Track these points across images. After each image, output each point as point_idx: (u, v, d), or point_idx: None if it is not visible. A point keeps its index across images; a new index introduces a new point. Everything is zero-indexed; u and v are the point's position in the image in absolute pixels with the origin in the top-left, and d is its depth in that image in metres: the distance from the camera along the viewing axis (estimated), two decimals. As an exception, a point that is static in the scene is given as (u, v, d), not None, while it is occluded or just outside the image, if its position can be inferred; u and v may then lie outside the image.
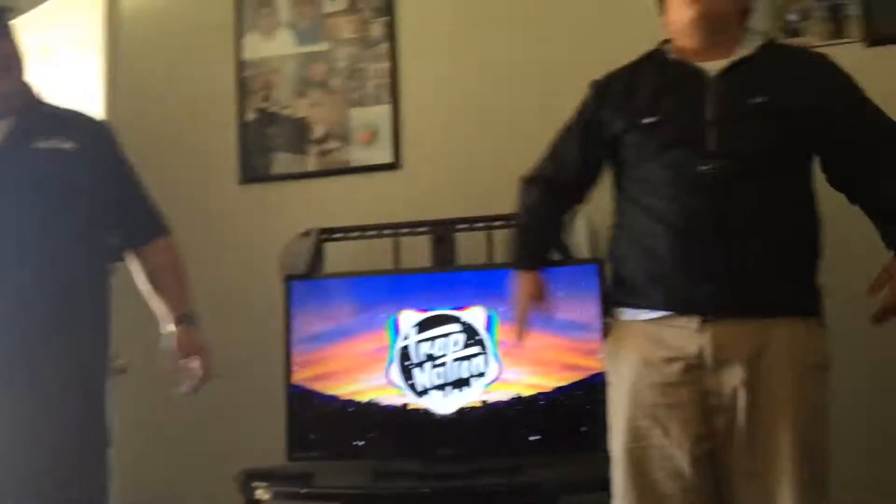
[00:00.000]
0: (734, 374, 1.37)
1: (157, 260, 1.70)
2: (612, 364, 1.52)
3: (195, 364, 1.64)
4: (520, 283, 1.57)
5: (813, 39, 2.15)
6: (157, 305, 1.70)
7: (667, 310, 1.42)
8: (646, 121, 1.47)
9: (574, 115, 1.61)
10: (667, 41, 1.55)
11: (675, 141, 1.44)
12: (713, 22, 1.44)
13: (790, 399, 1.36)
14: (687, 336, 1.39)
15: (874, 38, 2.11)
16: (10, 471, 1.43)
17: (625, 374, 1.46)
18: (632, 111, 1.50)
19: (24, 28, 2.31)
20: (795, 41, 2.15)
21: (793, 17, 2.19)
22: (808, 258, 1.45)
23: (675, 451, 1.39)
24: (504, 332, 1.97)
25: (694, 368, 1.39)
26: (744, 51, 1.46)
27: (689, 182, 1.41)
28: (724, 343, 1.37)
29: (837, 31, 2.16)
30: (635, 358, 1.44)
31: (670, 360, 1.40)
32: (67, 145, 1.55)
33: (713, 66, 1.46)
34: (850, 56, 2.17)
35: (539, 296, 1.55)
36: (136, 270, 1.70)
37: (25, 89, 1.58)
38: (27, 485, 1.43)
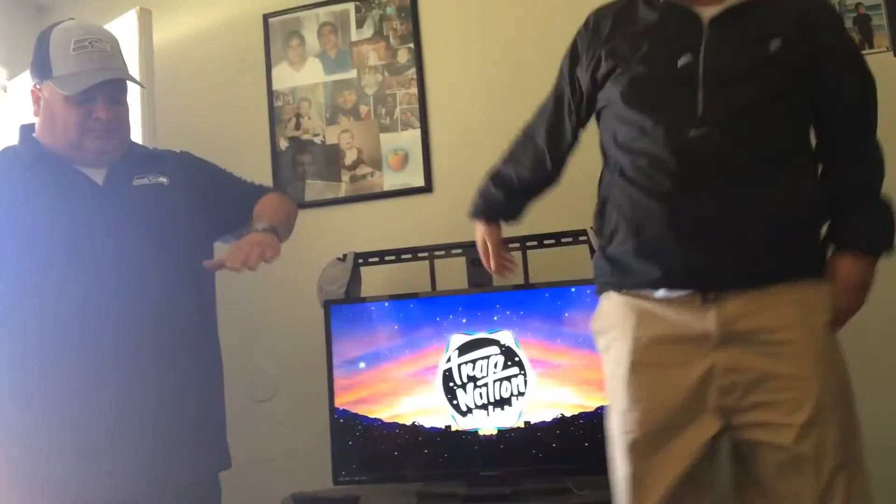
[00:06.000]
0: (744, 349, 1.26)
1: (267, 198, 1.75)
2: (604, 348, 1.40)
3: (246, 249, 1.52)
4: (481, 231, 1.71)
5: (840, 50, 2.17)
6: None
7: (663, 287, 1.30)
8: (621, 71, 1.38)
9: (560, 76, 1.60)
10: None
11: (660, 99, 1.33)
12: None
13: (814, 370, 1.24)
14: (689, 313, 1.28)
15: (902, 48, 2.12)
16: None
17: (621, 359, 1.33)
18: (616, 58, 1.39)
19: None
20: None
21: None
22: (809, 217, 1.32)
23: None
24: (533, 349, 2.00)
25: (700, 345, 1.27)
26: None
27: (675, 146, 1.29)
28: (730, 318, 1.26)
29: (865, 41, 2.18)
30: (633, 341, 1.32)
31: (674, 339, 1.29)
32: (163, 179, 1.64)
33: (706, 12, 1.32)
34: (878, 66, 2.17)
35: (489, 249, 1.68)
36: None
37: (124, 145, 1.65)
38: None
